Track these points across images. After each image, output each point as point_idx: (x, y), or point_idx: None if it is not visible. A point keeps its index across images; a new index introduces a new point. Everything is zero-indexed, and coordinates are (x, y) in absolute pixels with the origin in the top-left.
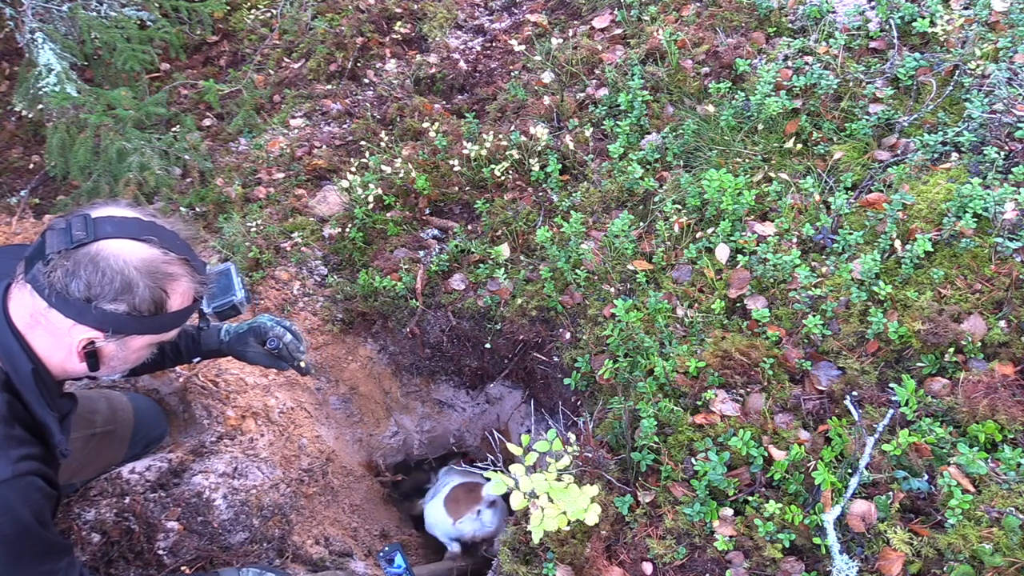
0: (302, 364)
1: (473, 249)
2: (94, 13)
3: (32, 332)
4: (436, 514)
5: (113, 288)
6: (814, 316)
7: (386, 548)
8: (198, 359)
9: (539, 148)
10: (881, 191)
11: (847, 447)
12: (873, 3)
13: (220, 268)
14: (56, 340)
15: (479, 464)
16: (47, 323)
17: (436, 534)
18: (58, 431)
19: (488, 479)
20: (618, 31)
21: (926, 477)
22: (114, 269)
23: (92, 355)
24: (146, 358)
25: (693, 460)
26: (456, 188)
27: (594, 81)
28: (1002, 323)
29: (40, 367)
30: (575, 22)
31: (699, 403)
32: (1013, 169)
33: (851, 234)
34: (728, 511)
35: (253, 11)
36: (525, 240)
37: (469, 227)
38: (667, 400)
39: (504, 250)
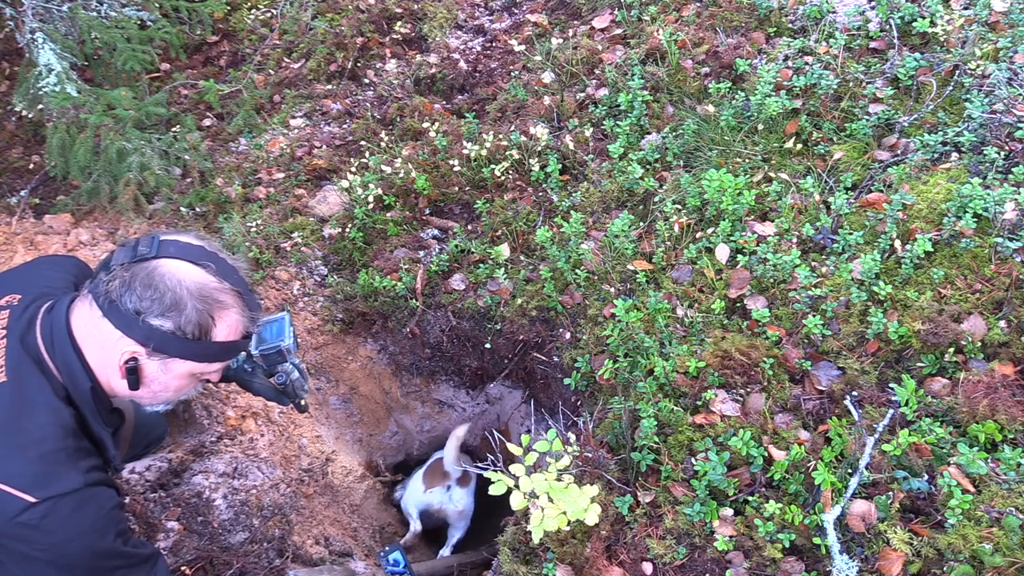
0: (303, 403)
1: (473, 249)
2: (94, 13)
3: (87, 344)
4: (412, 484)
5: (162, 304)
6: (814, 316)
7: (386, 548)
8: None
9: (539, 148)
10: (881, 191)
11: (847, 447)
12: (873, 3)
13: (275, 316)
14: (104, 353)
15: (479, 464)
16: (99, 333)
17: (407, 507)
18: (112, 446)
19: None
20: (618, 31)
21: (926, 477)
22: (167, 286)
23: (133, 372)
24: (189, 393)
25: (693, 460)
26: (456, 188)
27: (594, 81)
28: (1002, 323)
29: (96, 385)
30: (575, 22)
31: (699, 403)
32: (1013, 169)
33: (851, 234)
34: (728, 511)
35: (253, 11)
36: (525, 240)
37: (469, 227)
38: (667, 400)
39: (504, 250)
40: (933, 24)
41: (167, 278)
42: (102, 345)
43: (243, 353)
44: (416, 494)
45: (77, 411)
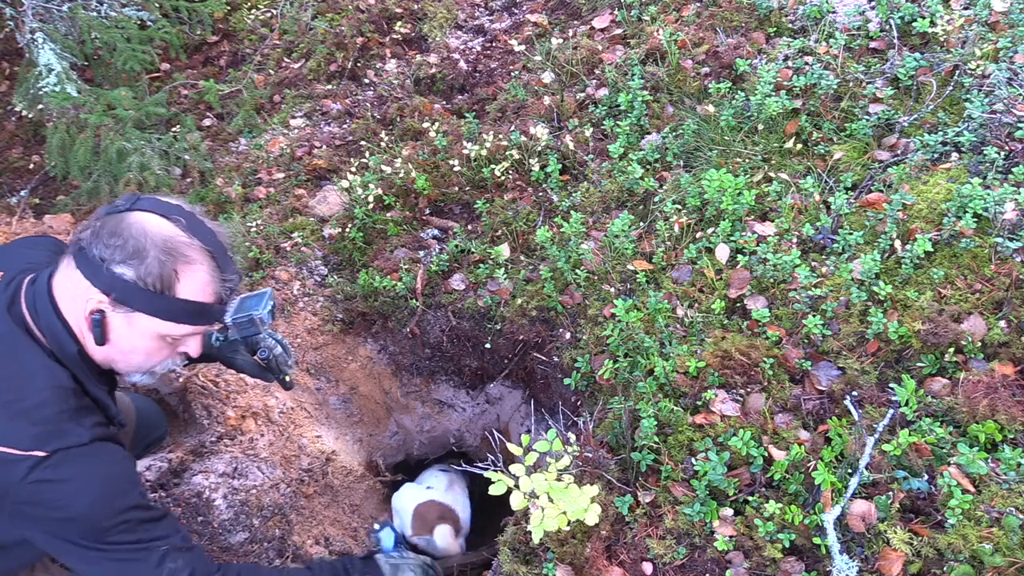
0: (287, 379)
1: (473, 249)
2: (94, 13)
3: (64, 302)
4: (404, 511)
5: (124, 251)
6: (814, 316)
7: (376, 527)
8: (187, 362)
9: (539, 148)
10: (881, 191)
11: (847, 447)
12: (873, 3)
13: (258, 291)
14: (75, 307)
15: (479, 464)
16: (72, 286)
17: (395, 519)
18: (112, 403)
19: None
20: (618, 31)
21: (926, 477)
22: (131, 234)
23: (99, 325)
24: (165, 364)
25: (693, 460)
26: (456, 188)
27: (594, 81)
28: (1002, 323)
29: (82, 348)
30: (575, 22)
31: (699, 403)
32: (1013, 169)
33: (851, 234)
34: (728, 511)
35: (253, 11)
36: (525, 240)
37: (469, 227)
38: (667, 400)
39: (504, 250)
40: (933, 24)
41: (133, 227)
42: (74, 297)
43: (219, 325)
44: (404, 525)
45: (71, 372)
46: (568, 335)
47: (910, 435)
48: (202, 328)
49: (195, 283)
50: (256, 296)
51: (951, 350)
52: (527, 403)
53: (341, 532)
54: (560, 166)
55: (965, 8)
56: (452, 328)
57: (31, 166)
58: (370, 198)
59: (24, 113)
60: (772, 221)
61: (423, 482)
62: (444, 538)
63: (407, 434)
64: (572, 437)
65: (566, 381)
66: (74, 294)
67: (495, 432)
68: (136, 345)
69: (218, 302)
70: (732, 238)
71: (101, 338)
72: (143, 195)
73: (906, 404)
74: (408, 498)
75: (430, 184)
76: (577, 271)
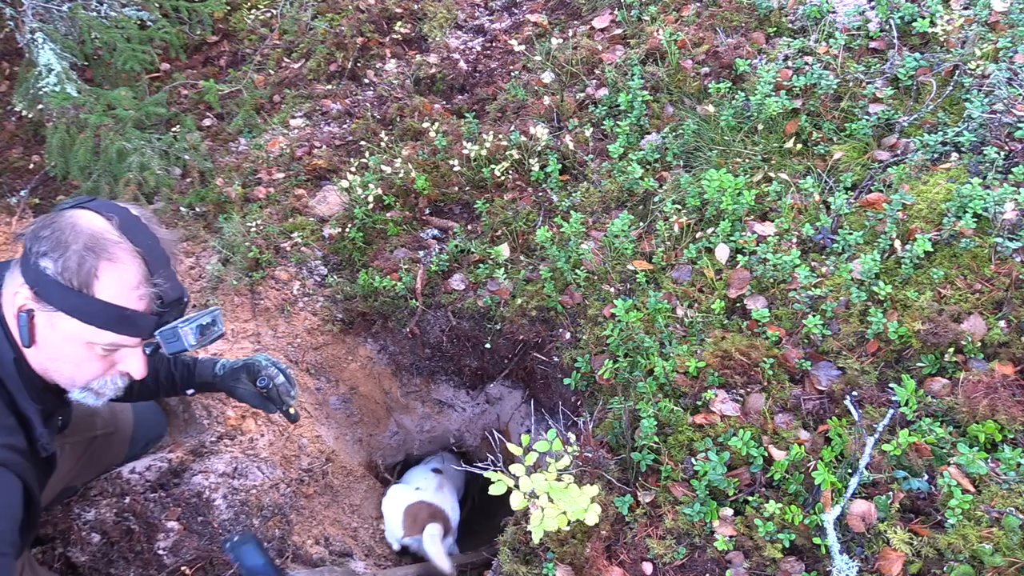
0: (291, 411)
1: (473, 249)
2: (94, 13)
3: (6, 303)
4: (393, 513)
5: (49, 242)
6: (814, 316)
7: (234, 539)
8: (192, 391)
9: (539, 148)
10: (881, 191)
11: (847, 447)
12: (873, 3)
13: (207, 310)
14: (10, 305)
15: (479, 464)
16: (11, 284)
17: (388, 525)
18: (40, 424)
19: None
20: (618, 31)
21: (926, 477)
22: (59, 227)
23: (25, 324)
24: (95, 380)
25: (693, 460)
26: (456, 188)
27: (594, 81)
28: (1002, 323)
29: (20, 356)
30: (575, 22)
31: (699, 403)
32: (1013, 169)
33: (851, 234)
34: (728, 511)
35: (253, 11)
36: (525, 240)
37: (469, 227)
38: (667, 400)
39: (504, 250)
40: (933, 24)
41: (64, 220)
42: (11, 296)
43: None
44: (394, 529)
45: (2, 384)
46: (568, 335)
47: (910, 435)
48: (128, 338)
49: (116, 284)
50: (202, 313)
51: (951, 350)
52: (527, 403)
53: (341, 532)
54: (560, 166)
55: (965, 8)
56: (452, 328)
57: (31, 166)
58: (370, 198)
59: (24, 113)
60: (772, 221)
61: (411, 482)
62: (434, 539)
63: (407, 434)
64: (572, 437)
65: (566, 381)
66: (13, 291)
67: (495, 432)
68: (62, 351)
69: (148, 311)
70: (732, 238)
71: (28, 339)
72: (99, 198)
73: (906, 404)
74: (398, 499)
75: (430, 184)
76: (577, 271)
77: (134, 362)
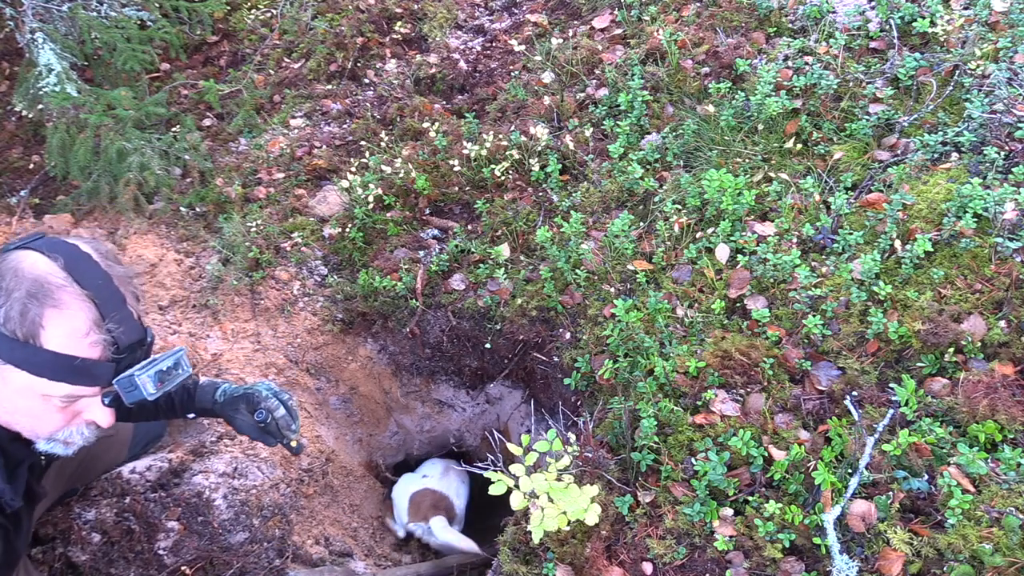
0: (293, 443)
1: (473, 249)
2: (94, 13)
3: None
4: (399, 499)
5: None
6: (814, 316)
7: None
8: (192, 415)
9: (539, 148)
10: (881, 191)
11: (847, 447)
12: (873, 3)
13: (169, 352)
14: None
15: (479, 464)
16: None
17: (396, 511)
18: (3, 479)
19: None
20: (618, 31)
21: (926, 477)
22: (1, 273)
23: None
24: (61, 432)
25: (693, 460)
26: (456, 188)
27: (594, 81)
28: (1002, 323)
29: None
30: (575, 22)
31: (699, 403)
32: (1013, 169)
33: (851, 234)
34: (728, 511)
35: (253, 11)
36: (525, 240)
37: (469, 227)
38: (667, 400)
39: (504, 250)
40: (933, 24)
41: (6, 265)
42: None
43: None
44: (401, 515)
45: None
46: (568, 335)
47: (910, 435)
48: (85, 388)
49: (64, 333)
50: (162, 356)
51: (951, 350)
52: (527, 403)
53: (341, 532)
54: (560, 166)
55: (965, 8)
56: (452, 328)
57: (31, 166)
58: (370, 198)
59: (24, 113)
60: (772, 221)
61: (420, 471)
62: (444, 528)
63: (407, 434)
64: (572, 437)
65: (566, 381)
66: None
67: (495, 432)
68: (17, 405)
69: (103, 358)
70: (732, 238)
71: None
72: (48, 235)
73: (906, 404)
74: (405, 487)
75: (430, 184)
76: (577, 271)
77: (98, 412)
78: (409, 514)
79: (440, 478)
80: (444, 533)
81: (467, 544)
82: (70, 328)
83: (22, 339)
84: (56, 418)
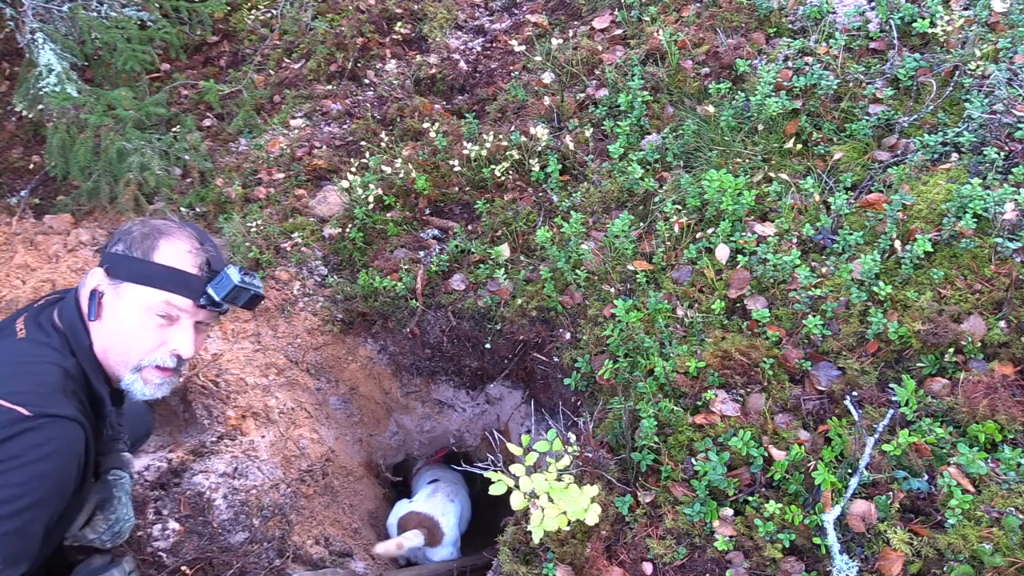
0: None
1: (473, 249)
2: (94, 13)
3: (82, 299)
4: (391, 524)
5: (120, 232)
6: (814, 316)
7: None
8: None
9: (539, 148)
10: (881, 191)
11: (847, 447)
12: (873, 3)
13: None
14: (85, 296)
15: (479, 464)
16: (86, 282)
17: (389, 530)
18: (109, 403)
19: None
20: (618, 31)
21: (926, 477)
22: (128, 227)
23: (94, 299)
24: (147, 355)
25: (693, 460)
26: (456, 188)
27: (594, 81)
28: (1002, 323)
29: (92, 343)
30: (575, 22)
31: (699, 403)
32: (1013, 169)
33: (851, 234)
34: (728, 511)
35: (253, 11)
36: (525, 240)
37: (469, 227)
38: (667, 400)
39: (504, 250)
40: (933, 25)
41: (136, 221)
42: (87, 289)
43: (199, 298)
44: (393, 530)
45: (80, 363)
46: (568, 335)
47: (910, 435)
48: (182, 299)
49: (173, 252)
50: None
51: (951, 350)
52: (527, 403)
53: (341, 532)
54: (560, 166)
55: (965, 8)
56: (452, 328)
57: (31, 166)
58: (370, 198)
59: (24, 113)
60: (772, 221)
61: (414, 494)
62: (410, 539)
63: (407, 434)
64: (572, 437)
65: (566, 381)
66: (87, 287)
67: (495, 432)
68: (123, 322)
69: (199, 274)
70: (732, 238)
71: (94, 313)
72: None
73: (906, 404)
74: (395, 512)
75: (430, 184)
76: (577, 271)
77: (183, 338)
78: (396, 531)
79: (426, 500)
80: (383, 546)
81: (385, 549)
82: (177, 249)
83: (140, 257)
84: (150, 338)
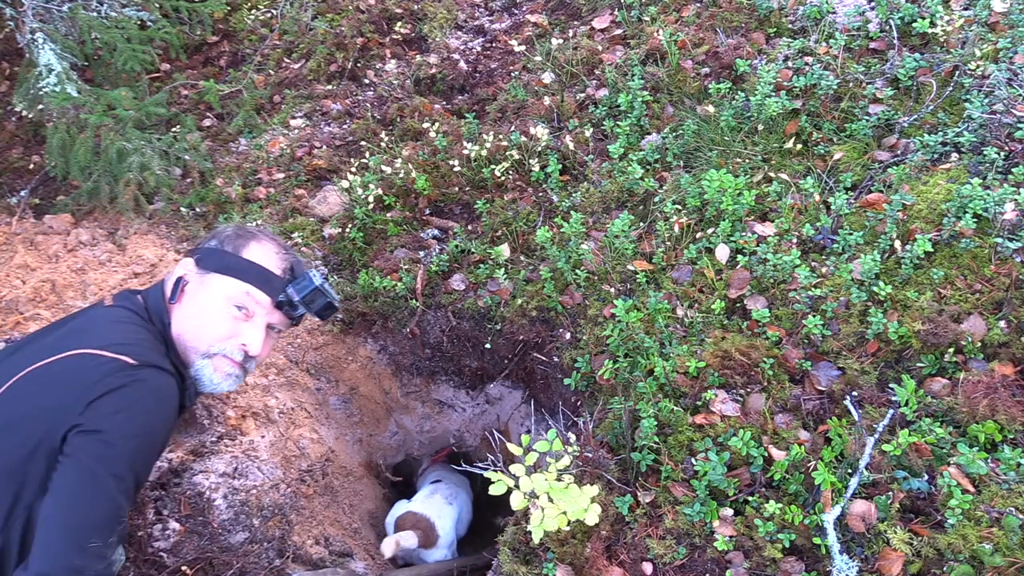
0: None
1: (473, 249)
2: (94, 13)
3: (168, 283)
4: (389, 527)
5: (212, 233)
6: (814, 316)
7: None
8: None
9: (539, 148)
10: (881, 191)
11: (847, 447)
12: (873, 3)
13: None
14: (173, 278)
15: (479, 464)
16: (174, 272)
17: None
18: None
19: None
20: (618, 31)
21: (926, 477)
22: (220, 230)
23: (178, 285)
24: (219, 344)
25: (693, 460)
26: (456, 188)
27: (594, 81)
28: (1002, 323)
29: (170, 325)
30: (575, 22)
31: (699, 403)
32: (1013, 169)
33: (851, 234)
34: (728, 511)
35: (253, 11)
36: (525, 240)
37: (469, 227)
38: (667, 400)
39: (504, 250)
40: (933, 25)
41: (230, 224)
42: (174, 277)
43: (278, 297)
44: (390, 529)
45: (166, 346)
46: (568, 335)
47: (910, 435)
48: (261, 294)
49: (262, 251)
50: (307, 275)
51: (951, 350)
52: (527, 403)
53: (341, 532)
54: (560, 166)
55: (965, 8)
56: (452, 328)
57: (31, 166)
58: (370, 198)
59: (24, 113)
60: (772, 221)
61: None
62: (405, 540)
63: (407, 434)
64: (572, 437)
65: (566, 381)
66: (174, 275)
67: (495, 432)
68: (202, 307)
69: (282, 275)
70: (732, 238)
71: (175, 295)
72: None
73: (906, 404)
74: (393, 512)
75: (430, 184)
76: (577, 271)
77: (254, 335)
78: (393, 530)
79: (423, 501)
80: (408, 541)
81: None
82: (266, 250)
83: (231, 252)
84: (223, 326)
